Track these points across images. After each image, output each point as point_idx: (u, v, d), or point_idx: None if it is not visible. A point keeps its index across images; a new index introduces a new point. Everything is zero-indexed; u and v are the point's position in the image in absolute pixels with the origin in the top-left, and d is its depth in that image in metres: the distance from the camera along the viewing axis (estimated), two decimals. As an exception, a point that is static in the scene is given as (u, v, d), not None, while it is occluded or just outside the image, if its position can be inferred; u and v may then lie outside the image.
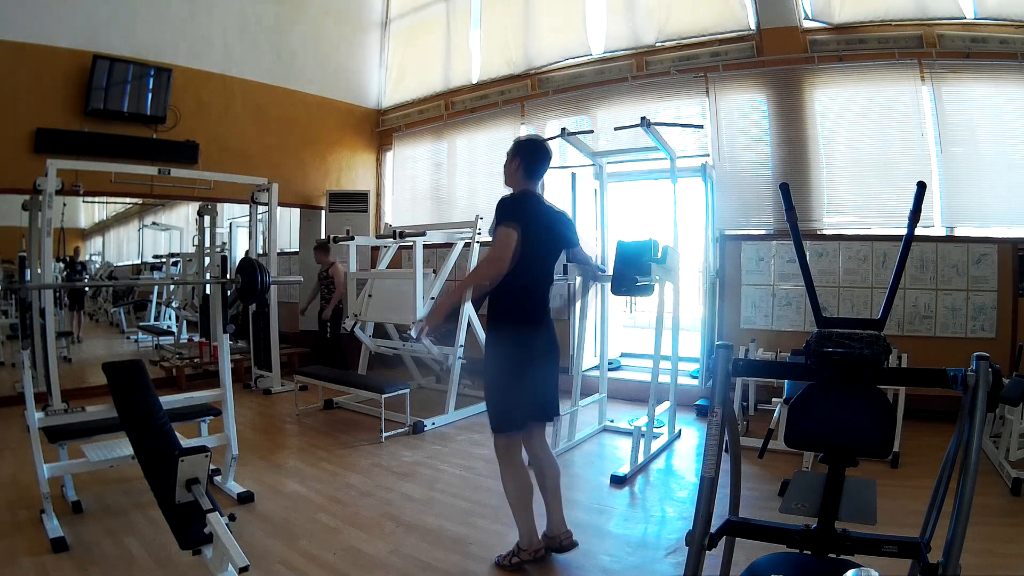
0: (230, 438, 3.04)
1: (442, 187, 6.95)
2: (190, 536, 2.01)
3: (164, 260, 8.69)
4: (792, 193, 1.66)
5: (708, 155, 5.10)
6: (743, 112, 5.06)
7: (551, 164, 2.42)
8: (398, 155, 7.46)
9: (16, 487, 3.08)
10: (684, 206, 4.37)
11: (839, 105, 4.78)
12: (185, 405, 3.18)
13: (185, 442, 2.65)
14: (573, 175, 5.31)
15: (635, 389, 5.05)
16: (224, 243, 7.37)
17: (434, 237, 5.04)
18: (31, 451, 2.58)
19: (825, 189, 4.76)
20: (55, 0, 5.05)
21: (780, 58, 4.89)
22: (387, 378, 4.90)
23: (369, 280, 5.09)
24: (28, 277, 4.33)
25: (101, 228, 9.27)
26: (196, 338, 7.01)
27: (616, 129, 4.36)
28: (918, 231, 1.53)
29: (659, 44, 5.49)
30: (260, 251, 5.86)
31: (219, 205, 6.58)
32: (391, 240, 4.87)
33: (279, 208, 5.77)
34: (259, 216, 5.88)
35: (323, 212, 7.07)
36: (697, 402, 4.78)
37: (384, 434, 4.04)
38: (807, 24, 4.88)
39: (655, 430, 3.70)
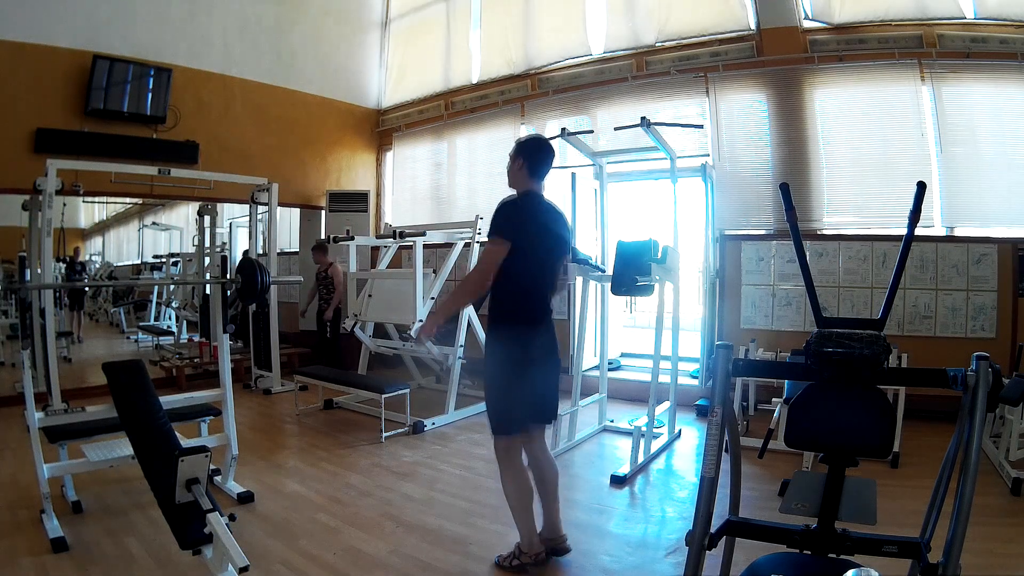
0: (230, 438, 3.04)
1: (442, 187, 6.95)
2: (190, 536, 2.01)
3: (164, 260, 8.70)
4: (792, 193, 1.66)
5: (708, 155, 5.11)
6: (743, 112, 5.06)
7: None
8: (398, 155, 7.46)
9: (16, 487, 3.08)
10: (684, 206, 4.38)
11: (839, 105, 4.78)
12: (185, 405, 3.18)
13: (185, 442, 2.65)
14: (573, 175, 5.32)
15: (635, 389, 5.05)
16: (224, 243, 7.37)
17: (434, 237, 5.04)
18: (31, 451, 2.58)
19: (825, 189, 4.76)
20: (55, 0, 5.05)
21: (780, 58, 4.89)
22: (387, 378, 4.89)
23: (369, 280, 5.09)
24: (28, 277, 4.33)
25: (101, 228, 9.27)
26: (196, 338, 7.02)
27: (616, 129, 4.36)
28: (918, 231, 1.53)
29: (659, 44, 5.49)
30: (260, 251, 5.86)
31: (219, 205, 6.58)
32: (391, 240, 4.86)
33: (279, 208, 5.77)
34: (259, 216, 5.88)
35: (323, 212, 7.07)
36: (697, 402, 4.78)
37: (384, 434, 4.04)
38: (807, 24, 4.88)
39: (655, 430, 3.70)
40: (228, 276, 3.08)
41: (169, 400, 2.89)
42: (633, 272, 3.35)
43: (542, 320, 2.32)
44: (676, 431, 4.05)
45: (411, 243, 4.63)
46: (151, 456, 2.32)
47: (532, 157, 2.32)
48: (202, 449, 2.12)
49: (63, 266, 7.37)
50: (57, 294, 6.82)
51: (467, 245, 4.87)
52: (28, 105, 4.97)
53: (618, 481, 3.21)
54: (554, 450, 3.57)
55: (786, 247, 4.75)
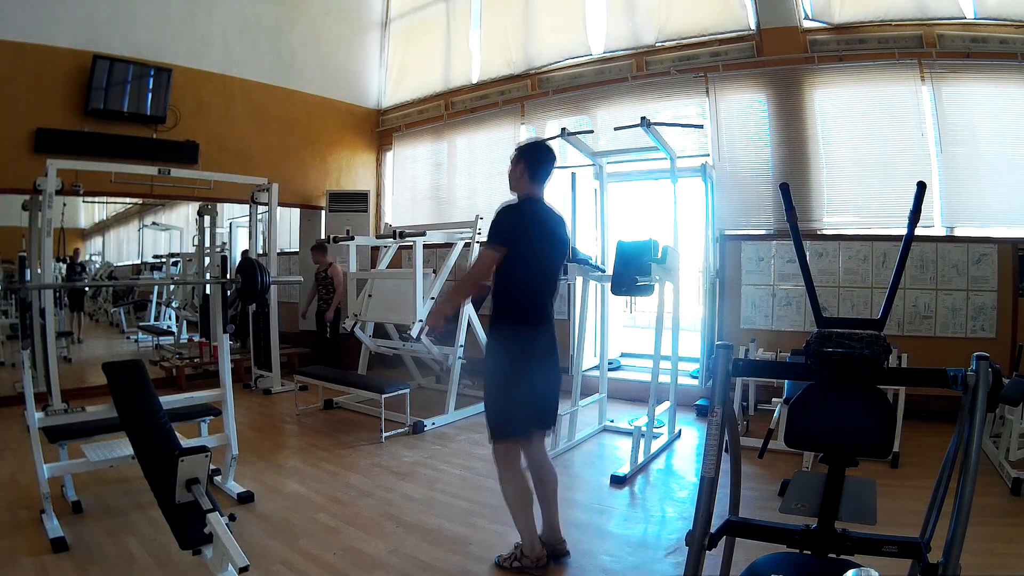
0: (230, 438, 3.04)
1: (442, 187, 6.95)
2: (190, 536, 2.01)
3: (164, 260, 8.70)
4: (792, 193, 1.66)
5: (708, 155, 5.11)
6: (743, 112, 5.06)
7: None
8: (398, 155, 7.46)
9: (16, 487, 3.08)
10: (684, 206, 4.38)
11: (839, 105, 4.78)
12: (185, 405, 3.18)
13: (185, 442, 2.65)
14: (573, 175, 5.32)
15: (635, 389, 5.05)
16: (224, 243, 7.37)
17: (434, 237, 5.04)
18: (31, 451, 2.58)
19: (825, 189, 4.76)
20: (55, 0, 5.05)
21: (780, 58, 4.89)
22: (387, 378, 4.89)
23: (369, 280, 5.09)
24: (28, 277, 4.33)
25: (101, 228, 9.28)
26: (196, 338, 7.02)
27: (616, 129, 4.36)
28: (918, 231, 1.53)
29: (659, 44, 5.49)
30: (260, 251, 5.86)
31: (219, 205, 6.58)
32: (391, 240, 4.87)
33: (279, 208, 5.77)
34: (259, 216, 5.88)
35: (323, 212, 7.07)
36: (697, 402, 4.78)
37: (384, 434, 4.04)
38: (807, 24, 4.88)
39: (655, 430, 3.70)
40: (228, 276, 3.08)
41: (169, 400, 2.89)
42: (633, 272, 3.35)
43: (542, 322, 2.31)
44: (676, 431, 4.05)
45: (411, 243, 4.63)
46: (151, 456, 2.32)
47: (534, 162, 2.32)
48: (202, 449, 2.12)
49: (63, 266, 7.37)
50: (57, 294, 6.82)
51: (467, 245, 4.87)
52: (28, 105, 4.97)
53: (618, 481, 3.21)
54: (554, 450, 3.58)
55: (786, 247, 4.75)
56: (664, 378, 3.78)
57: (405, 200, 7.35)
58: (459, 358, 4.52)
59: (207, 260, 6.65)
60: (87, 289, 8.63)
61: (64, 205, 6.89)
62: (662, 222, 4.82)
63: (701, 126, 5.09)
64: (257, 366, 5.77)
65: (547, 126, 5.98)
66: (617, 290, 3.45)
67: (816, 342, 1.43)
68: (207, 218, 6.56)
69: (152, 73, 5.55)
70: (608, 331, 4.44)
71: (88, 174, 4.90)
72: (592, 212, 5.09)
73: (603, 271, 3.80)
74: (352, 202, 7.05)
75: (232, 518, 2.10)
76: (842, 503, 1.40)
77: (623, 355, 5.96)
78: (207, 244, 6.67)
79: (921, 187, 1.48)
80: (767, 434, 3.27)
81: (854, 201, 4.68)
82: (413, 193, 7.26)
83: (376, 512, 2.88)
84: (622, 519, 2.83)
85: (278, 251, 6.05)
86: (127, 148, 5.39)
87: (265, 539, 2.57)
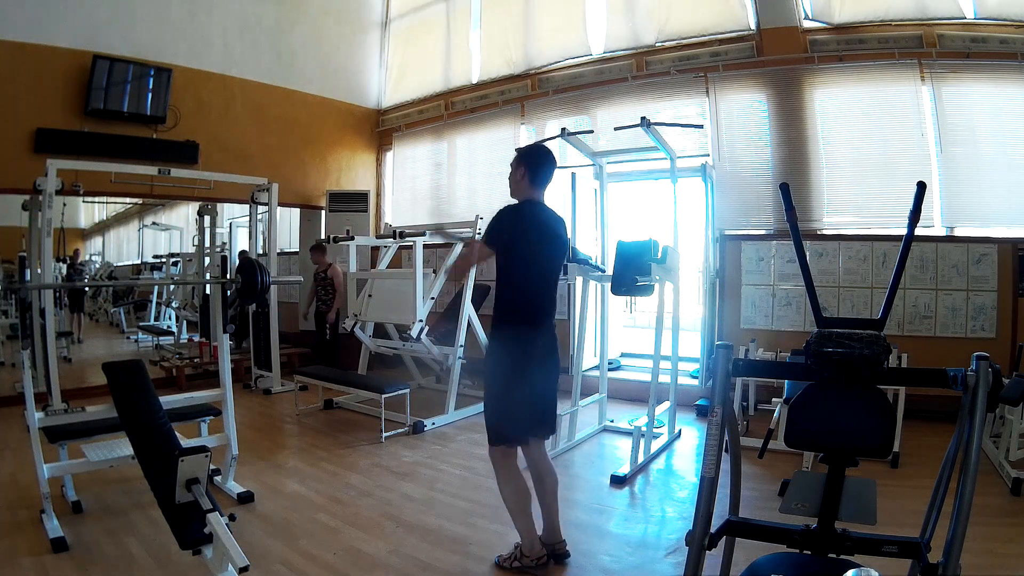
0: (230, 438, 3.04)
1: (442, 187, 6.95)
2: (190, 536, 2.01)
3: (164, 260, 8.70)
4: (792, 193, 1.66)
5: (708, 155, 5.10)
6: (743, 112, 5.06)
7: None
8: (398, 155, 7.46)
9: (16, 487, 3.08)
10: (684, 206, 4.38)
11: (839, 105, 4.78)
12: (185, 405, 3.18)
13: (185, 442, 2.65)
14: (573, 175, 5.32)
15: (635, 389, 5.05)
16: (224, 243, 7.37)
17: (434, 237, 5.04)
18: (31, 451, 2.58)
19: (825, 189, 4.76)
20: (55, 0, 5.05)
21: (780, 58, 4.89)
22: (387, 378, 4.89)
23: (369, 280, 5.09)
24: (28, 277, 4.33)
25: (101, 228, 9.28)
26: (196, 338, 7.02)
27: (616, 129, 4.36)
28: (918, 231, 1.53)
29: (659, 44, 5.49)
30: (260, 251, 5.86)
31: (219, 205, 6.58)
32: (391, 240, 4.87)
33: (279, 208, 5.77)
34: (259, 216, 5.88)
35: (323, 212, 7.07)
36: (697, 402, 4.78)
37: (384, 434, 4.04)
38: (807, 24, 4.88)
39: (655, 430, 3.70)
40: (228, 276, 3.08)
41: (169, 400, 2.89)
42: (633, 272, 3.35)
43: (543, 323, 2.32)
44: (676, 431, 4.05)
45: (411, 243, 4.63)
46: (151, 456, 2.32)
47: (534, 166, 2.32)
48: (202, 449, 2.12)
49: (63, 266, 7.37)
50: (57, 294, 6.82)
51: (467, 245, 4.87)
52: (28, 105, 4.97)
53: (618, 481, 3.21)
54: (554, 450, 3.58)
55: (786, 247, 4.75)
56: (664, 378, 3.78)
57: (405, 200, 7.35)
58: (459, 358, 4.52)
59: (207, 260, 6.65)
60: (87, 289, 8.63)
61: (64, 205, 6.88)
62: (662, 222, 4.82)
63: (701, 126, 5.09)
64: (257, 366, 5.77)
65: (547, 126, 5.98)
66: (617, 290, 3.45)
67: (816, 342, 1.43)
68: (207, 218, 6.56)
69: (152, 73, 5.55)
70: (608, 331, 4.43)
71: (88, 174, 4.89)
72: (592, 212, 5.09)
73: (603, 271, 3.80)
74: (352, 202, 7.05)
75: (232, 518, 2.10)
76: (842, 503, 1.40)
77: (623, 355, 5.96)
78: (207, 244, 6.68)
79: (921, 187, 1.48)
80: (767, 434, 3.27)
81: (854, 201, 4.68)
82: (413, 193, 7.26)
83: (376, 512, 2.88)
84: (622, 519, 2.83)
85: (278, 251, 6.05)
86: (127, 148, 5.39)
87: (265, 539, 2.57)
